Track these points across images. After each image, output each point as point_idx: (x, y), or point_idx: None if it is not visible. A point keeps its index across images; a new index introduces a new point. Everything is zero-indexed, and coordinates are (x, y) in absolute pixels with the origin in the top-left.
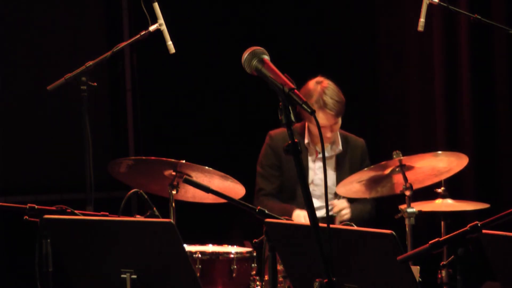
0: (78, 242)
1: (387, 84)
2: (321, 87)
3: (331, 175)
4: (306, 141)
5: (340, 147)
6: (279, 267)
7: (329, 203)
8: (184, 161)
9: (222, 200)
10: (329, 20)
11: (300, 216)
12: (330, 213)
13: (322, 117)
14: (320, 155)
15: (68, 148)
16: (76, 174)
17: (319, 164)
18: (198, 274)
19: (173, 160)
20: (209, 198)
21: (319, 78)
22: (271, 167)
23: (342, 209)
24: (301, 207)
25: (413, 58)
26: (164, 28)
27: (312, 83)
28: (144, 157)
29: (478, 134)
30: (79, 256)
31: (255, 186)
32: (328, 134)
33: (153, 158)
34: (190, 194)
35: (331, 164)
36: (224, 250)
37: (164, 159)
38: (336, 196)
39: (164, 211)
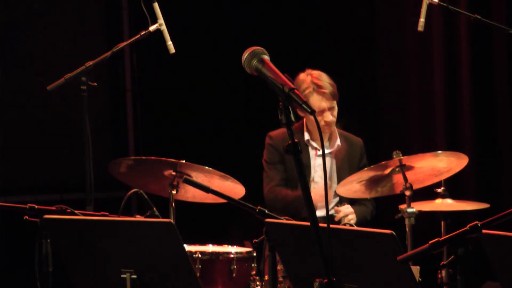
0: (78, 242)
1: (387, 84)
2: (312, 75)
3: (331, 172)
4: (306, 138)
5: (339, 143)
6: (279, 267)
7: (333, 209)
8: (184, 161)
9: (222, 200)
10: (329, 20)
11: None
12: (335, 218)
13: (317, 98)
14: (320, 152)
15: (68, 148)
16: (76, 174)
17: (319, 161)
18: (198, 274)
19: (173, 160)
20: (209, 198)
21: (307, 70)
22: (278, 163)
23: (347, 214)
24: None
25: (413, 58)
26: (164, 28)
27: (302, 75)
28: (144, 157)
29: (478, 134)
30: (79, 256)
31: (264, 180)
32: (327, 118)
33: (153, 158)
34: (190, 194)
35: (330, 161)
36: (224, 250)
37: (164, 159)
38: (336, 193)
39: (164, 211)
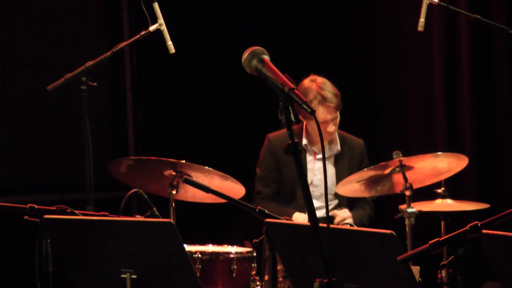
0: (78, 242)
1: (387, 84)
2: (317, 83)
3: (330, 176)
4: (304, 142)
5: (339, 147)
6: (279, 267)
7: (331, 213)
8: (184, 161)
9: (222, 200)
10: (329, 20)
11: (299, 219)
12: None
13: (323, 111)
14: (319, 156)
15: (68, 148)
16: (76, 174)
17: (318, 165)
18: (198, 274)
19: (173, 160)
20: (209, 198)
21: (312, 76)
22: (269, 170)
23: (345, 218)
24: (300, 209)
25: (413, 58)
26: (164, 28)
27: (306, 81)
28: (144, 157)
29: (478, 134)
30: (79, 256)
31: (255, 187)
32: (331, 128)
33: (153, 158)
34: (190, 194)
35: (329, 165)
36: (224, 250)
37: (164, 159)
38: (336, 196)
39: (164, 211)
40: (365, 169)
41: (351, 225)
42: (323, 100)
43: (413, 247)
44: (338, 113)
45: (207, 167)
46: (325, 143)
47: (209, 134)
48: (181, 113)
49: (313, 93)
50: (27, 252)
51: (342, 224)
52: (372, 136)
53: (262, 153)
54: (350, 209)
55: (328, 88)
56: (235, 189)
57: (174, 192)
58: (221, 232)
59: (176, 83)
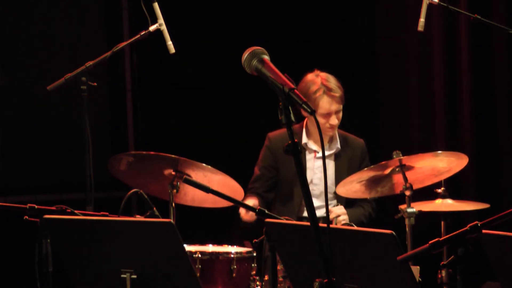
0: (78, 242)
1: (387, 84)
2: (321, 77)
3: (330, 175)
4: (304, 140)
5: (339, 145)
6: (279, 267)
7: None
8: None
9: (221, 205)
10: (329, 20)
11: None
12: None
13: (327, 101)
14: (319, 154)
15: (68, 148)
16: (76, 174)
17: (318, 163)
18: (198, 274)
19: (173, 156)
20: (208, 202)
21: (316, 72)
22: (266, 168)
23: (339, 215)
24: (298, 208)
25: (413, 58)
26: (164, 28)
27: (310, 75)
28: (144, 152)
29: (478, 134)
30: (79, 256)
31: (250, 181)
32: (333, 121)
33: (152, 153)
34: (189, 196)
35: (329, 163)
36: (224, 250)
37: (164, 154)
38: (336, 195)
39: (164, 211)
40: (365, 169)
41: (351, 224)
42: (328, 90)
43: (413, 247)
44: (341, 107)
45: (207, 167)
46: (326, 141)
47: (209, 134)
48: (181, 113)
49: (317, 85)
50: (27, 252)
51: (336, 221)
52: (372, 136)
53: (263, 150)
54: (349, 207)
55: (333, 80)
56: (235, 189)
57: (174, 191)
58: (221, 232)
59: (176, 83)
